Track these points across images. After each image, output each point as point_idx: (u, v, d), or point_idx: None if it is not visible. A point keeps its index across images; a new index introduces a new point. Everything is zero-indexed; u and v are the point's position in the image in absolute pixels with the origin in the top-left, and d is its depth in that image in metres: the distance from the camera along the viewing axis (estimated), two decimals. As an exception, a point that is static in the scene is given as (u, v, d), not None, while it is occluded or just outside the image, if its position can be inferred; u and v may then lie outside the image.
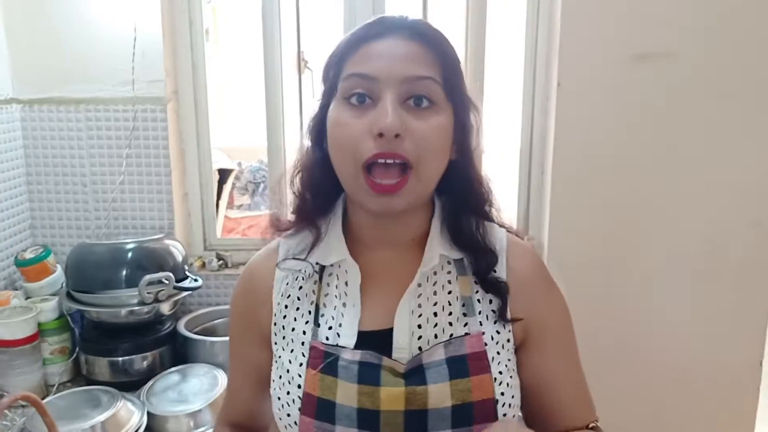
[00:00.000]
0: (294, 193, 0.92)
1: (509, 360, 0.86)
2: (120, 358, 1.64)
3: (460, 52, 1.90)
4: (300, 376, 0.84)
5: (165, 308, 1.71)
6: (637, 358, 1.93)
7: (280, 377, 0.88)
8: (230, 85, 3.20)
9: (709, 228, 1.84)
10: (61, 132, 1.87)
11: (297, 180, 0.91)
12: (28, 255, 1.78)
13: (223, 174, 2.90)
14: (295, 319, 0.89)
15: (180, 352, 1.75)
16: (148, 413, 1.45)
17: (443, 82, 0.81)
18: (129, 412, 1.44)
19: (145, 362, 1.67)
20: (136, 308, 1.64)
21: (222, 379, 1.57)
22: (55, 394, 1.58)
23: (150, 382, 1.58)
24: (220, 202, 2.75)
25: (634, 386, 1.95)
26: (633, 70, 1.75)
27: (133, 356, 1.65)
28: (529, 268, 0.92)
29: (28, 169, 1.89)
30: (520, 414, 0.91)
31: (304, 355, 0.85)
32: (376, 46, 0.81)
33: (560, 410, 0.91)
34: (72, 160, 1.89)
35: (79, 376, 1.71)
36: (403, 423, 0.79)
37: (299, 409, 0.83)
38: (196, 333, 1.78)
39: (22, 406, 1.49)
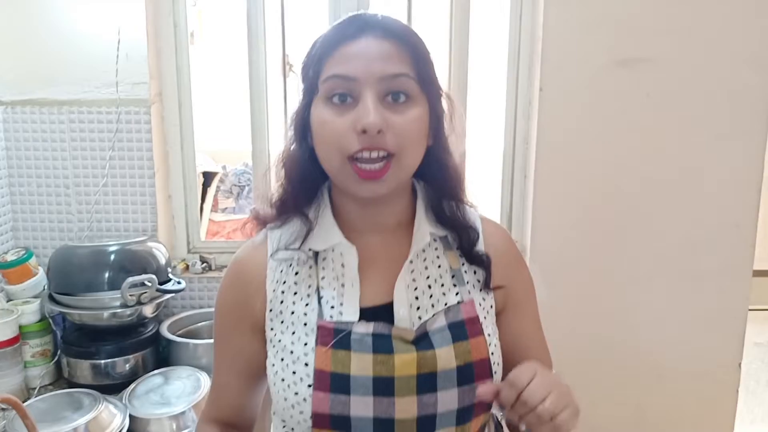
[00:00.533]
0: (280, 185, 0.97)
1: (493, 324, 0.97)
2: (102, 361, 1.63)
3: (444, 55, 1.94)
4: (306, 354, 0.89)
5: (148, 311, 1.70)
6: (617, 358, 1.95)
7: (282, 360, 0.91)
8: (215, 88, 3.19)
9: (689, 230, 1.87)
10: (44, 134, 1.86)
11: (282, 173, 0.96)
12: (10, 257, 1.76)
13: (208, 177, 2.90)
14: (293, 303, 0.93)
15: (163, 355, 1.75)
16: (131, 416, 1.44)
17: (417, 77, 0.87)
18: (111, 414, 1.43)
19: (127, 365, 1.66)
20: (119, 311, 1.64)
21: (205, 381, 1.56)
22: (36, 396, 1.56)
23: (132, 385, 1.57)
24: (204, 205, 2.74)
25: (615, 386, 1.97)
26: (614, 74, 1.78)
27: (116, 359, 1.64)
28: (503, 242, 1.02)
29: (10, 171, 1.88)
30: None
31: (307, 335, 0.90)
32: (352, 47, 0.86)
33: None
34: (54, 162, 1.88)
35: (61, 379, 1.70)
36: (416, 386, 0.86)
37: (309, 386, 0.87)
38: (179, 336, 1.77)
39: (2, 409, 1.47)
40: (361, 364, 0.87)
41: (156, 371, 1.65)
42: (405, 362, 0.87)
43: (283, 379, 0.90)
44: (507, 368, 0.95)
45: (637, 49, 1.78)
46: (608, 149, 1.82)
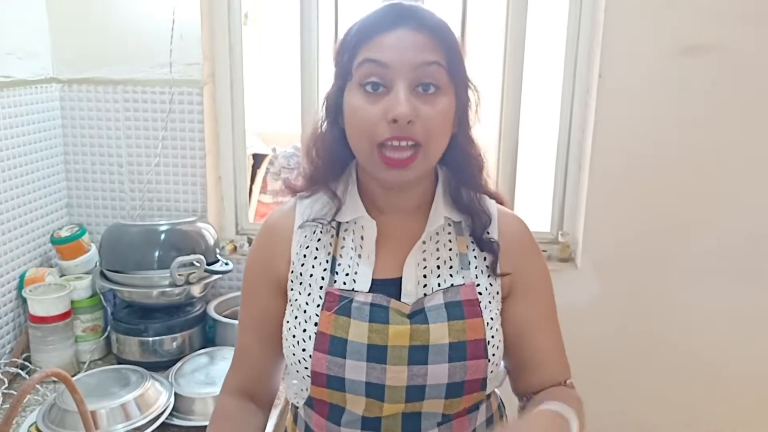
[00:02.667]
0: (309, 160, 1.03)
1: (498, 309, 1.00)
2: (150, 338, 1.66)
3: (500, 40, 1.89)
4: (317, 315, 0.96)
5: (195, 290, 1.72)
6: (669, 358, 1.89)
7: (296, 317, 0.98)
8: (268, 70, 3.20)
9: (751, 227, 1.79)
10: (99, 112, 1.89)
11: (313, 151, 1.02)
12: (64, 233, 1.80)
13: (258, 159, 2.91)
14: (313, 266, 1.00)
15: (209, 335, 1.77)
16: (176, 394, 1.46)
17: (447, 66, 0.91)
18: (157, 392, 1.45)
19: (174, 343, 1.68)
20: (168, 290, 1.66)
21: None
22: (85, 371, 1.60)
23: (178, 364, 1.59)
24: (254, 187, 2.76)
25: (666, 386, 1.91)
26: (679, 62, 1.71)
27: (163, 337, 1.67)
28: (518, 232, 1.05)
29: (66, 149, 1.91)
30: (504, 364, 1.05)
31: (321, 298, 0.97)
32: (387, 37, 0.90)
33: (539, 363, 1.02)
34: (109, 141, 1.90)
35: (110, 355, 1.73)
36: (408, 356, 0.92)
37: (313, 346, 0.94)
38: (225, 316, 1.79)
39: (54, 382, 1.51)
40: (357, 331, 0.93)
41: (202, 350, 1.67)
42: (398, 333, 0.92)
43: (294, 335, 0.97)
44: (513, 362, 1.04)
45: (703, 36, 1.70)
46: (669, 140, 1.75)
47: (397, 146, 0.89)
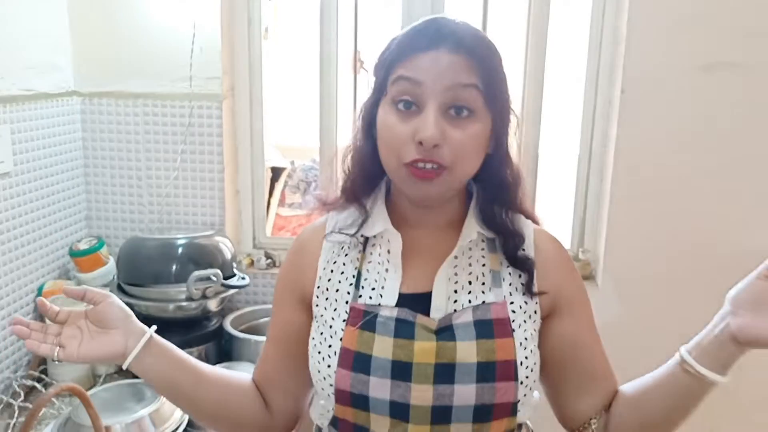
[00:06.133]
0: (344, 171, 1.03)
1: (534, 330, 0.96)
2: (166, 353, 1.65)
3: (521, 52, 1.87)
4: (342, 330, 0.94)
5: (212, 305, 1.72)
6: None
7: (321, 333, 0.97)
8: (288, 83, 3.21)
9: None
10: (119, 126, 1.90)
11: (348, 160, 1.02)
12: (83, 246, 1.81)
13: (276, 172, 2.91)
14: (339, 281, 0.99)
15: (225, 349, 1.76)
16: (191, 410, 1.45)
17: (483, 89, 0.89)
18: (172, 407, 1.43)
19: (190, 358, 1.67)
20: (184, 304, 1.65)
21: (265, 379, 1.56)
22: (101, 385, 1.59)
23: (194, 379, 1.58)
24: (272, 200, 2.76)
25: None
26: (701, 79, 1.68)
27: (179, 351, 1.66)
28: (555, 249, 1.02)
29: (86, 161, 1.92)
30: (547, 391, 1.03)
31: (346, 313, 0.95)
32: (424, 57, 0.89)
33: (598, 377, 1.00)
34: (128, 154, 1.91)
35: (126, 369, 1.72)
36: (433, 374, 0.89)
37: (337, 363, 0.93)
38: (241, 331, 1.77)
39: (69, 396, 1.51)
40: (382, 346, 0.90)
41: (217, 366, 1.65)
42: (424, 350, 0.90)
43: (319, 352, 0.96)
44: (564, 377, 1.00)
45: (725, 53, 1.67)
46: (692, 157, 1.72)
47: (422, 168, 0.88)
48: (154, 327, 1.02)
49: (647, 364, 1.81)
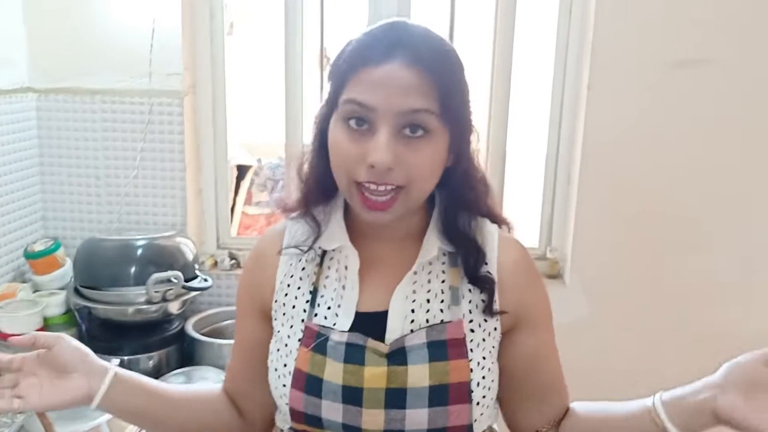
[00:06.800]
0: (300, 180, 0.99)
1: (493, 347, 0.94)
2: (126, 357, 1.60)
3: (488, 49, 1.86)
4: (297, 350, 0.92)
5: (173, 308, 1.68)
6: (660, 377, 1.85)
7: (278, 350, 0.95)
8: (255, 79, 3.16)
9: (744, 244, 1.75)
10: (76, 123, 1.84)
11: (305, 168, 0.98)
12: (38, 247, 1.75)
13: (242, 170, 2.87)
14: (296, 297, 0.96)
15: (187, 354, 1.71)
16: (150, 416, 1.41)
17: (439, 110, 0.84)
18: (130, 414, 1.39)
19: (150, 362, 1.63)
20: (144, 307, 1.61)
21: (228, 383, 1.52)
22: (57, 392, 1.54)
23: (154, 384, 1.54)
24: (238, 199, 2.71)
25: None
26: (669, 75, 1.68)
27: (139, 356, 1.62)
28: (519, 262, 0.98)
29: (42, 160, 1.86)
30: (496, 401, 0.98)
31: (302, 332, 0.93)
32: (376, 72, 0.83)
33: (550, 391, 0.99)
34: (86, 152, 1.85)
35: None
36: (384, 399, 0.87)
37: (291, 383, 0.91)
38: (205, 334, 1.73)
39: (23, 404, 1.45)
40: (332, 370, 0.88)
41: (179, 370, 1.62)
42: (374, 375, 0.87)
43: (276, 369, 0.94)
44: (519, 389, 0.97)
45: (693, 49, 1.68)
46: (660, 155, 1.73)
47: (375, 189, 0.85)
48: (116, 361, 0.98)
49: (613, 361, 1.83)
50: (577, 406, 1.00)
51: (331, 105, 0.90)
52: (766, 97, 1.67)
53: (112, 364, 0.96)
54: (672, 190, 1.74)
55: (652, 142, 1.72)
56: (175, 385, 1.04)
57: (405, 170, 0.84)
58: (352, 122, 0.85)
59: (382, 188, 0.84)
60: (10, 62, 1.75)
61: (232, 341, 1.64)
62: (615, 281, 1.81)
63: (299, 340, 0.92)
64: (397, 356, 0.89)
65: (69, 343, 0.93)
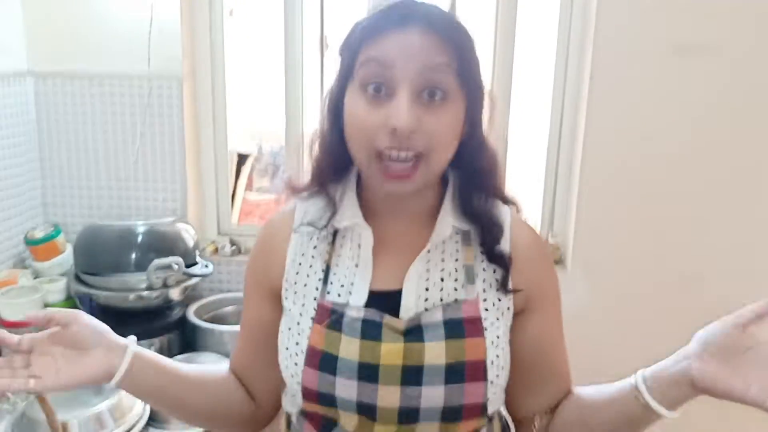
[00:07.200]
0: (311, 159, 0.97)
1: (507, 326, 0.93)
2: (126, 343, 1.61)
3: (490, 37, 1.84)
4: (310, 328, 0.91)
5: (174, 294, 1.67)
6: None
7: (290, 329, 0.94)
8: (256, 64, 3.14)
9: (749, 233, 1.75)
10: (75, 107, 1.83)
11: (315, 147, 0.96)
12: (38, 234, 1.75)
13: (243, 156, 2.86)
14: (307, 275, 0.95)
15: (188, 340, 1.72)
16: (152, 403, 1.41)
17: (457, 69, 0.84)
18: (132, 400, 1.40)
19: (152, 348, 1.60)
20: (145, 293, 1.61)
21: (229, 370, 1.53)
22: (58, 377, 1.54)
23: (155, 370, 1.54)
24: (238, 185, 2.70)
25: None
26: (672, 63, 1.67)
27: (140, 342, 1.59)
28: (532, 242, 0.98)
29: (41, 145, 1.85)
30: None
31: (314, 310, 0.92)
32: (393, 35, 0.83)
33: (556, 375, 0.99)
34: (85, 136, 1.85)
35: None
36: (401, 376, 0.86)
37: (304, 361, 0.90)
38: (205, 320, 1.73)
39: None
40: (348, 347, 0.88)
41: (180, 356, 1.62)
42: (391, 351, 0.87)
43: (287, 348, 0.93)
44: (526, 372, 0.97)
45: (696, 36, 1.66)
46: (662, 142, 1.72)
47: (397, 157, 0.84)
48: (134, 337, 0.95)
49: (614, 346, 1.83)
50: (579, 391, 1.00)
51: (345, 77, 0.88)
52: (768, 83, 1.67)
53: (132, 339, 0.95)
54: (673, 177, 1.74)
55: (654, 129, 1.71)
56: (187, 364, 1.02)
57: (426, 136, 0.83)
58: (371, 88, 0.84)
59: (403, 154, 0.83)
60: (8, 46, 1.74)
61: (233, 327, 1.67)
62: (616, 267, 1.81)
63: (312, 318, 0.91)
64: (414, 333, 0.88)
65: (86, 320, 0.91)
